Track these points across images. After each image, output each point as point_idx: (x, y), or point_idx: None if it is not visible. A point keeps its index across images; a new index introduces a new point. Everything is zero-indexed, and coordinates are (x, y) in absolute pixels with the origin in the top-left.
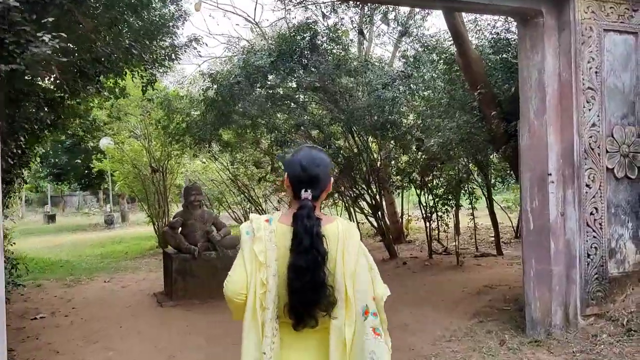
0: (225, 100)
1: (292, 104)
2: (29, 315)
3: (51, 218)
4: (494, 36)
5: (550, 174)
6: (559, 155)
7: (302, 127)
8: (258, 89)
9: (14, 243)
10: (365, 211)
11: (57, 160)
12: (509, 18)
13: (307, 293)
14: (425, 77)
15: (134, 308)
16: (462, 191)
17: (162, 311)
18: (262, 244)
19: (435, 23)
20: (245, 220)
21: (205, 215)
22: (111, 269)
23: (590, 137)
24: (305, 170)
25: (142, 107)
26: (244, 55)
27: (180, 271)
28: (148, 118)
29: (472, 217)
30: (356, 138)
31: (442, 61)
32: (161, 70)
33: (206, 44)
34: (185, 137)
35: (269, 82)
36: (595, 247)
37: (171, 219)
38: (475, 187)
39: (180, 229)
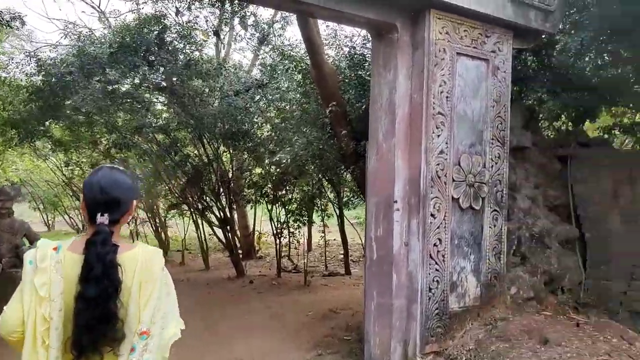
0: (54, 91)
1: (136, 103)
2: None
3: None
4: (350, 50)
5: (396, 201)
6: (406, 181)
7: (145, 130)
8: (96, 83)
9: None
10: (214, 224)
11: None
12: (368, 33)
13: (95, 326)
14: (281, 87)
15: None
16: (315, 207)
17: None
18: (45, 276)
19: (296, 33)
20: (82, 228)
21: (16, 225)
22: None
23: (438, 164)
24: (104, 192)
25: None
26: (80, 43)
27: None
28: None
29: (323, 234)
30: (206, 146)
31: (297, 71)
32: None
33: (21, 18)
34: (7, 130)
35: (108, 76)
36: (437, 281)
37: None
38: (328, 203)
39: None
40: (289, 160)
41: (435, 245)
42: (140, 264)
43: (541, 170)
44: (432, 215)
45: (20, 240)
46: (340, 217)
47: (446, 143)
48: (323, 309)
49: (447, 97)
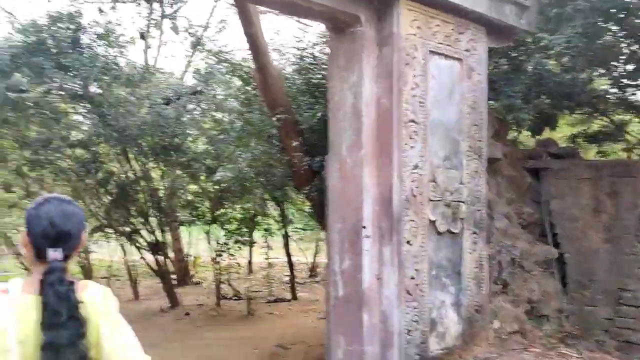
0: None
1: (47, 113)
2: None
3: None
4: (300, 52)
5: (365, 227)
6: (376, 202)
7: (59, 145)
8: None
9: None
10: (144, 248)
11: None
12: (320, 31)
13: None
14: (218, 95)
15: None
16: (257, 226)
17: None
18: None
19: (233, 39)
20: None
21: None
22: None
23: (413, 181)
24: (55, 225)
25: None
26: None
27: None
28: None
29: (266, 255)
30: (133, 162)
31: (236, 76)
32: None
33: None
34: None
35: (11, 82)
36: (416, 320)
37: None
38: (271, 222)
39: None
40: (230, 178)
41: (412, 277)
42: (99, 301)
43: (512, 184)
44: (407, 242)
45: None
46: (285, 237)
47: (421, 156)
48: (270, 344)
49: (420, 102)
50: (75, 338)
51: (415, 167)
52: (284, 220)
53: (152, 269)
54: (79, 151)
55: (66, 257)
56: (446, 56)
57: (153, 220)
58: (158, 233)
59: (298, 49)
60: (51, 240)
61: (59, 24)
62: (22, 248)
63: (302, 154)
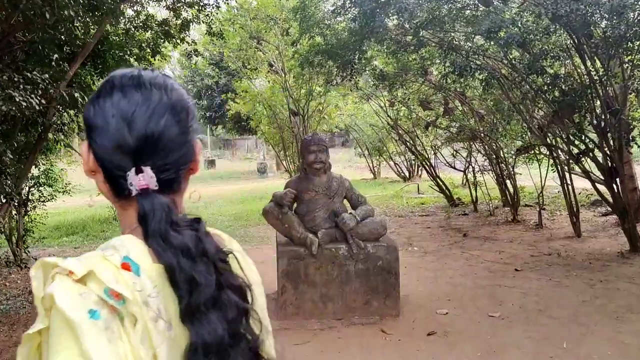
0: None
1: (480, 6)
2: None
3: (211, 163)
4: None
5: None
6: None
7: (492, 47)
8: None
9: None
10: (594, 176)
11: (210, 102)
12: None
13: None
14: None
15: None
16: None
17: None
18: (138, 333)
19: None
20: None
21: (334, 184)
22: (234, 239)
23: None
24: (135, 126)
25: (273, 20)
26: None
27: (290, 274)
28: (283, 39)
29: None
30: (587, 60)
31: None
32: None
33: None
34: (325, 61)
35: None
36: None
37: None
38: None
39: (294, 205)
40: None
41: None
42: (239, 255)
43: None
44: None
45: (339, 207)
46: None
47: None
48: None
49: None
50: (238, 322)
51: None
52: None
53: (605, 200)
54: (512, 54)
55: (168, 183)
56: None
57: (610, 140)
58: (615, 156)
59: None
60: (127, 153)
61: None
62: (90, 174)
63: None
